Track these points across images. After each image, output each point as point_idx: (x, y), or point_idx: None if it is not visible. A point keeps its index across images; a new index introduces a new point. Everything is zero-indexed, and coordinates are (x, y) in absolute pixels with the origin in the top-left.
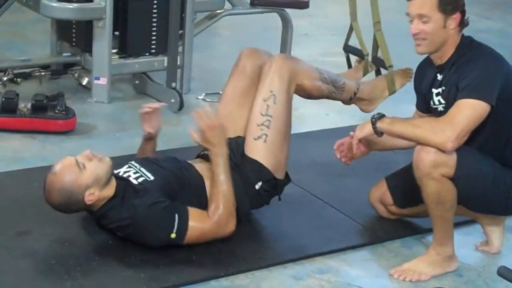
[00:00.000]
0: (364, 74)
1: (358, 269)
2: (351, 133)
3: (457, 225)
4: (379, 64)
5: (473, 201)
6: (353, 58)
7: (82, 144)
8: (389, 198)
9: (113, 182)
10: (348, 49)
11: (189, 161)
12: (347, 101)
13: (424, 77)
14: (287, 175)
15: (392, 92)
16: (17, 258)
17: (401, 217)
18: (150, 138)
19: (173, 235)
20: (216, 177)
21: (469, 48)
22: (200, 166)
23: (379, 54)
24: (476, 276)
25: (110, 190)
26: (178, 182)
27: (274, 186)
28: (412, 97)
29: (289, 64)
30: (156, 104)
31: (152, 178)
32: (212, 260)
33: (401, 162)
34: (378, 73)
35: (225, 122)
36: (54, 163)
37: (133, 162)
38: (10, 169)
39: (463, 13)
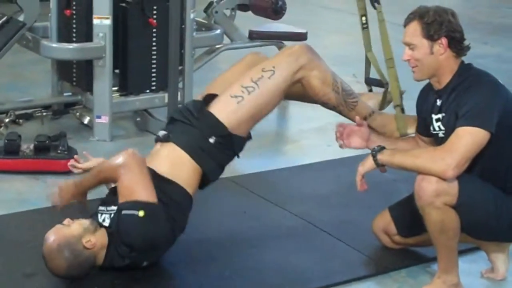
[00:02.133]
0: (384, 104)
1: None
2: (357, 119)
3: (462, 252)
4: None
5: (476, 228)
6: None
7: None
8: (393, 228)
9: (101, 230)
10: (370, 82)
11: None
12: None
13: (425, 101)
14: (248, 134)
15: (403, 134)
16: None
17: (406, 246)
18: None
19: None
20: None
21: (468, 75)
22: (153, 163)
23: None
24: None
25: (103, 237)
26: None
27: (230, 141)
28: None
29: (308, 56)
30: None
31: (115, 208)
32: None
33: (404, 191)
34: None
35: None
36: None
37: (100, 207)
38: (14, 211)
39: (452, 38)
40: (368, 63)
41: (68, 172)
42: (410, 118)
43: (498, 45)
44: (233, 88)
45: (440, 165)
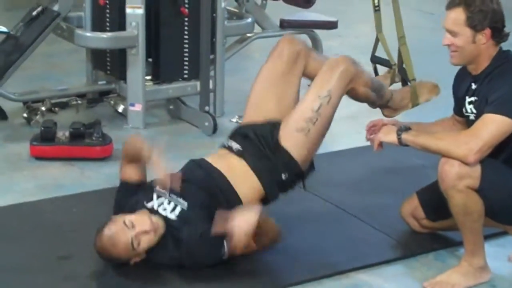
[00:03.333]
0: (391, 84)
1: (392, 283)
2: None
3: (490, 237)
4: (403, 75)
5: (499, 212)
6: (381, 69)
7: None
8: (420, 212)
9: (160, 224)
10: (375, 60)
11: (208, 159)
12: (377, 106)
13: (461, 83)
14: (312, 164)
15: (415, 105)
16: (58, 281)
17: (433, 230)
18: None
19: (224, 257)
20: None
21: (504, 61)
22: (220, 164)
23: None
24: (509, 286)
25: (154, 239)
26: (210, 196)
27: (300, 177)
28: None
29: (353, 70)
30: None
31: (186, 204)
32: (247, 276)
33: (433, 177)
34: (404, 82)
35: (257, 101)
36: (93, 188)
37: (158, 189)
38: (50, 195)
39: (495, 28)
40: (376, 43)
41: (102, 159)
42: (424, 88)
43: None
44: (298, 122)
45: (463, 149)
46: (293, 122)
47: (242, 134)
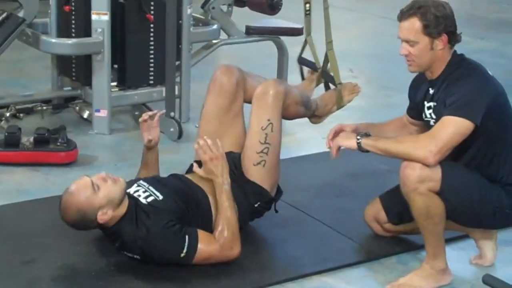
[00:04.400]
0: (316, 85)
1: (355, 286)
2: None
3: (451, 240)
4: (327, 78)
5: (461, 215)
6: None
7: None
8: (383, 216)
9: (126, 201)
10: (302, 62)
11: (188, 176)
12: (307, 117)
13: (419, 88)
14: (278, 188)
15: (340, 107)
16: (22, 286)
17: (396, 234)
18: (150, 148)
19: (182, 255)
20: (221, 204)
21: (459, 66)
22: (201, 182)
23: (329, 68)
24: None
25: (122, 209)
26: (185, 203)
27: (271, 203)
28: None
29: (283, 91)
30: (153, 112)
31: (161, 197)
32: (211, 281)
33: (395, 181)
34: (326, 86)
35: (211, 139)
36: (58, 193)
37: (141, 181)
38: (14, 201)
39: (450, 33)
40: (304, 45)
41: (67, 164)
42: (344, 89)
43: (494, 40)
44: (251, 157)
45: (422, 151)
46: (248, 159)
47: None
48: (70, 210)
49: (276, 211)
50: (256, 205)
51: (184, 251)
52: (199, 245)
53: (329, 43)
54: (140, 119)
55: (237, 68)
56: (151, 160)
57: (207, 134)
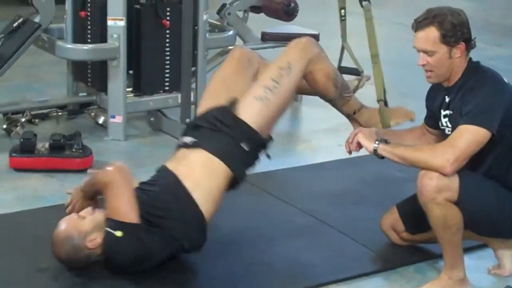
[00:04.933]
0: (357, 89)
1: None
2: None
3: (469, 249)
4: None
5: (479, 224)
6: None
7: None
8: (400, 225)
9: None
10: (343, 70)
11: (168, 166)
12: (345, 114)
13: (435, 97)
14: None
15: (386, 126)
16: None
17: (413, 243)
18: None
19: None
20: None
21: (474, 73)
22: (176, 167)
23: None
24: None
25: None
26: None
27: (261, 145)
28: None
29: (316, 50)
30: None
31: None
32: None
33: (412, 189)
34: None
35: (209, 94)
36: None
37: None
38: (30, 207)
39: (467, 40)
40: (342, 52)
41: (82, 170)
42: (393, 111)
43: (510, 47)
44: (256, 90)
45: (439, 160)
46: (252, 92)
47: (192, 127)
48: (59, 242)
49: (269, 157)
50: (245, 148)
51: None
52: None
53: (373, 56)
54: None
55: (254, 51)
56: None
57: (207, 90)
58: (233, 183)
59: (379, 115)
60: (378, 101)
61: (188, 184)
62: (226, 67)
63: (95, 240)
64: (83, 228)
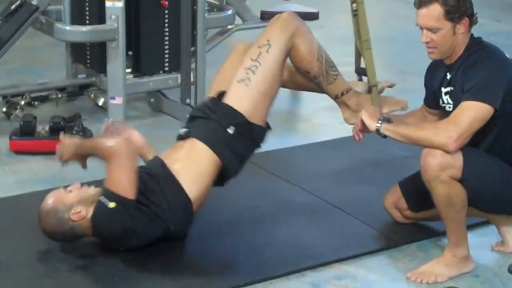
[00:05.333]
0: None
1: (375, 274)
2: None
3: (472, 226)
4: (362, 73)
5: (483, 201)
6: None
7: (100, 163)
8: (403, 203)
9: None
10: (361, 72)
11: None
12: (332, 96)
13: (435, 75)
14: (267, 123)
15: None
16: (40, 277)
17: (416, 221)
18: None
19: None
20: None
21: (476, 49)
22: (166, 156)
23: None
24: (492, 275)
25: None
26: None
27: (249, 129)
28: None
29: (296, 24)
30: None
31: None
32: (231, 270)
33: (415, 167)
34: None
35: (218, 79)
36: (73, 182)
37: None
38: (31, 190)
39: (471, 16)
40: (358, 52)
41: None
42: (384, 99)
43: (511, 22)
44: (238, 73)
45: (443, 137)
46: (234, 77)
47: (189, 118)
48: (43, 214)
49: (259, 146)
50: (230, 131)
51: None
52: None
53: (365, 41)
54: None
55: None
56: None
57: (217, 85)
58: (224, 172)
59: (370, 102)
60: (371, 86)
61: (174, 168)
62: (229, 60)
63: (79, 213)
64: (68, 200)
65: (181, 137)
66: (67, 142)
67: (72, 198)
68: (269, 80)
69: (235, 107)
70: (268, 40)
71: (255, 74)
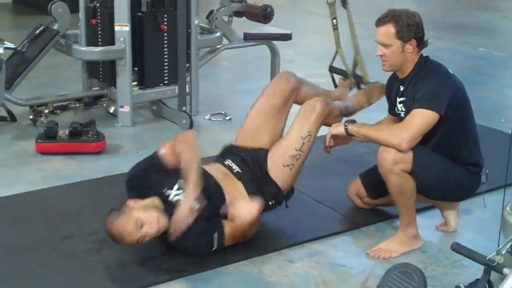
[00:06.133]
0: (350, 90)
1: (341, 251)
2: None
3: (420, 210)
4: (358, 79)
5: (429, 190)
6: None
7: (112, 162)
8: (363, 191)
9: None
10: (333, 70)
11: (211, 173)
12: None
13: (392, 87)
14: (292, 188)
15: (370, 103)
16: (61, 258)
17: (374, 206)
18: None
19: (214, 249)
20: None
21: (425, 66)
22: (224, 184)
23: (358, 72)
24: (437, 251)
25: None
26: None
27: (282, 202)
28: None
29: (327, 110)
30: None
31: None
32: (219, 251)
33: (373, 162)
34: (358, 87)
35: (253, 128)
36: (90, 178)
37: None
38: (53, 184)
39: (419, 39)
40: (335, 55)
41: (97, 153)
42: (374, 89)
43: (450, 40)
44: (284, 157)
45: (397, 139)
46: (279, 158)
47: (239, 156)
48: (111, 230)
49: (287, 207)
50: (270, 203)
51: (215, 246)
52: (226, 234)
53: (355, 47)
54: None
55: (296, 77)
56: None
57: (251, 120)
58: None
59: (363, 97)
60: (366, 83)
61: (228, 197)
62: (270, 101)
63: (145, 238)
64: (136, 236)
65: (232, 172)
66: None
67: (140, 233)
68: (305, 160)
69: (280, 186)
70: (309, 132)
71: (298, 161)
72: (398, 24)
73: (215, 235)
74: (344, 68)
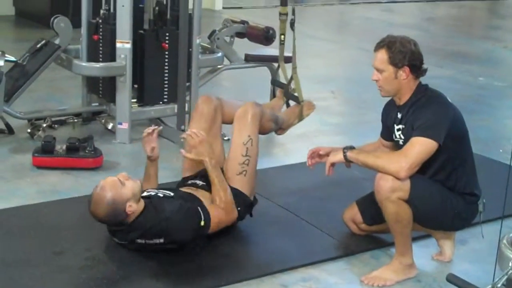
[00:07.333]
0: (285, 103)
1: (335, 277)
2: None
3: (416, 239)
4: (291, 97)
5: (425, 219)
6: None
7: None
8: (359, 218)
9: (142, 200)
10: (274, 83)
11: (185, 190)
12: (273, 131)
13: (389, 113)
14: (254, 197)
15: (300, 120)
16: (54, 273)
17: (370, 233)
18: (153, 159)
19: (202, 224)
20: (213, 179)
21: (424, 94)
22: (198, 194)
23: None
24: (432, 281)
25: (141, 205)
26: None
27: (250, 207)
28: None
29: (259, 112)
30: (154, 127)
31: (172, 193)
32: (212, 272)
33: (369, 188)
34: (288, 104)
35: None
36: (86, 193)
37: (149, 189)
38: (49, 199)
39: (413, 65)
40: (277, 69)
41: (94, 169)
42: (303, 106)
43: (451, 68)
44: (234, 167)
45: (395, 167)
46: (232, 169)
47: (197, 176)
48: (102, 203)
49: (251, 215)
50: (238, 209)
51: (202, 219)
52: (210, 213)
53: (294, 68)
54: (144, 132)
55: (215, 97)
56: (153, 173)
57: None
58: None
59: (295, 114)
60: (300, 102)
61: (202, 199)
62: (199, 127)
63: (131, 206)
64: (126, 194)
65: (199, 187)
66: (204, 138)
67: (127, 192)
68: (256, 161)
69: (242, 191)
70: (249, 136)
71: (248, 166)
72: (391, 50)
73: (200, 209)
74: (285, 82)
